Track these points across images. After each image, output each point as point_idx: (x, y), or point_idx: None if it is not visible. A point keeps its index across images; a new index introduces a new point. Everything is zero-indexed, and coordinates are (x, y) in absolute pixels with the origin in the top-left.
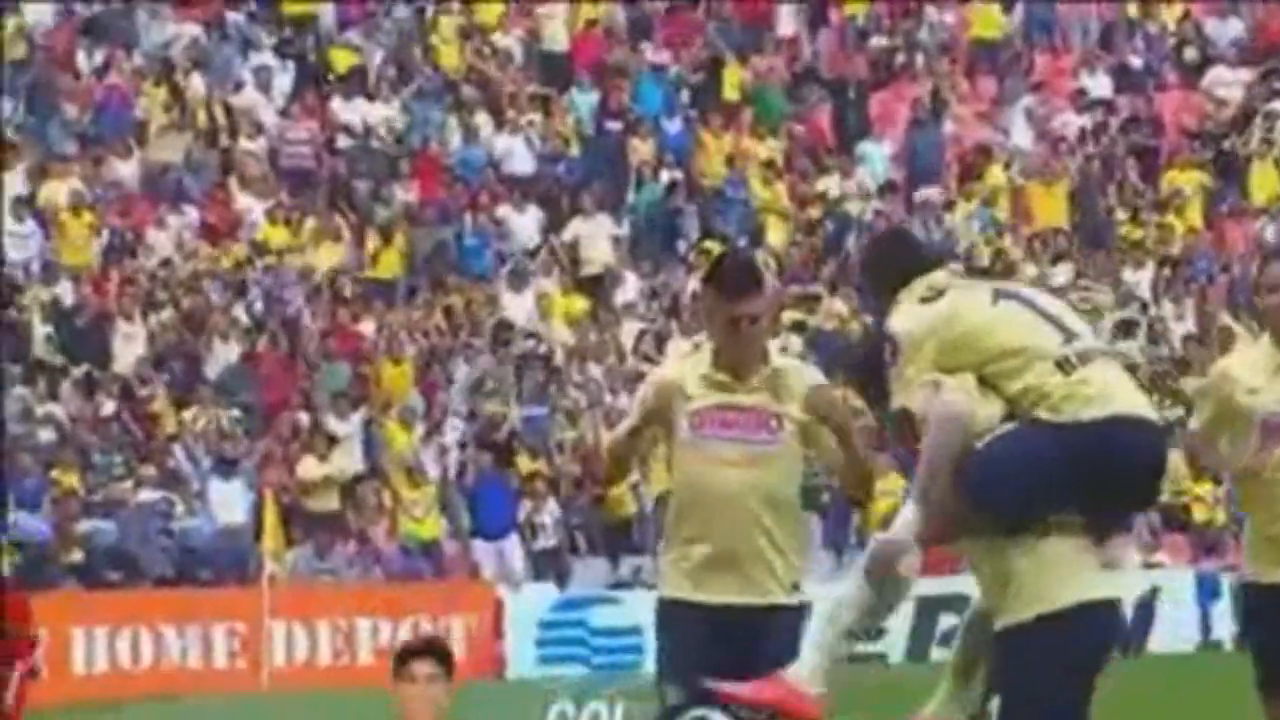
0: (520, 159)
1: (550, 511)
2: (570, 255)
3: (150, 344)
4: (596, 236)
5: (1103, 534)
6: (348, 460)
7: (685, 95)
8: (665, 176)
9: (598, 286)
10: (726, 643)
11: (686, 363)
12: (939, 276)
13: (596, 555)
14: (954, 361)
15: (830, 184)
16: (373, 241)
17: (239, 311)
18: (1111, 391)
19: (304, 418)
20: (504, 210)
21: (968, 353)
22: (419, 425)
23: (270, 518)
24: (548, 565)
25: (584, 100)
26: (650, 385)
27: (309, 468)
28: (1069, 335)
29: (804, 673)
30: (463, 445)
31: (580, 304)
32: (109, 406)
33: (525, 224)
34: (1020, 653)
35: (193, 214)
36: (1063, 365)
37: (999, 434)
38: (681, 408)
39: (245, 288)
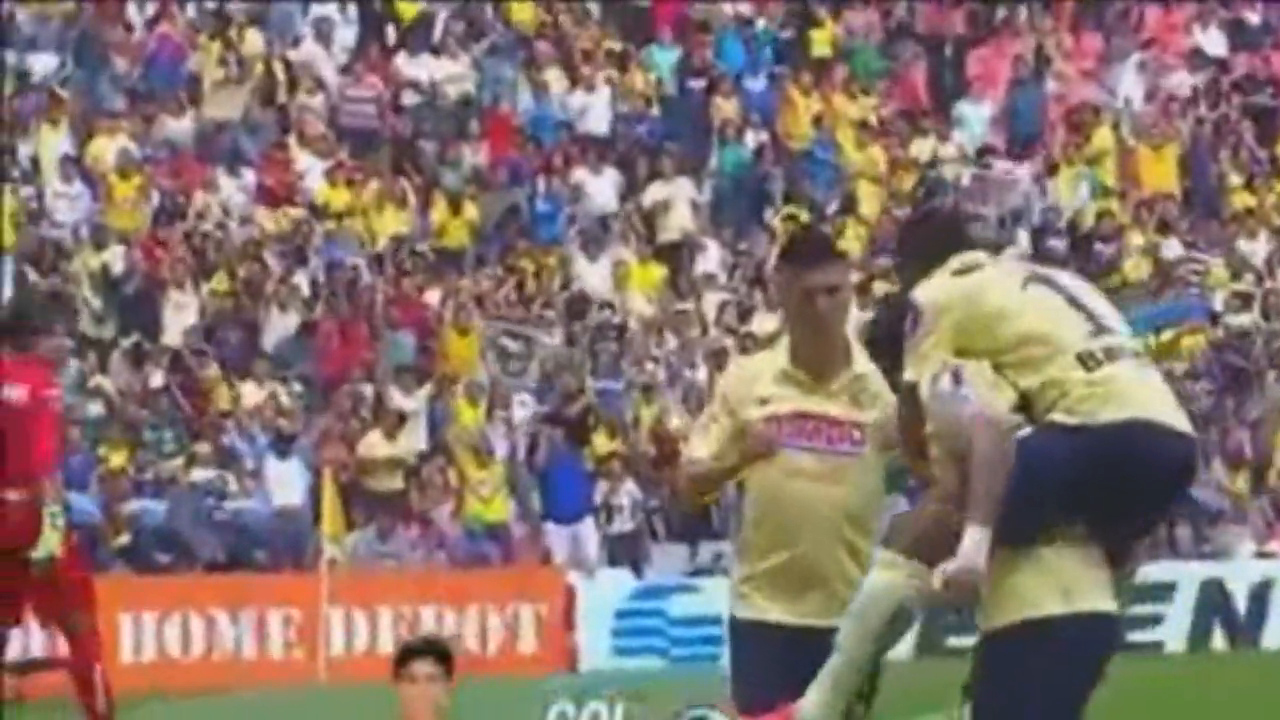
0: (596, 119)
1: (628, 493)
2: (648, 221)
3: (203, 314)
4: (676, 201)
5: (1117, 546)
6: (412, 438)
7: (771, 52)
8: (750, 138)
9: (677, 255)
10: (808, 666)
11: (762, 360)
12: (977, 255)
13: (675, 541)
14: (974, 344)
15: (925, 147)
16: (439, 206)
17: (298, 279)
18: (1134, 392)
19: (366, 392)
20: (579, 174)
21: (988, 336)
22: (485, 401)
23: (329, 499)
24: (623, 551)
25: (664, 57)
26: (720, 404)
27: (371, 445)
28: (1099, 328)
29: (813, 711)
30: (534, 422)
31: (659, 273)
32: (158, 379)
33: (601, 188)
34: (1001, 660)
35: (249, 176)
36: (1085, 360)
37: (1023, 436)
38: (756, 413)
39: (304, 254)
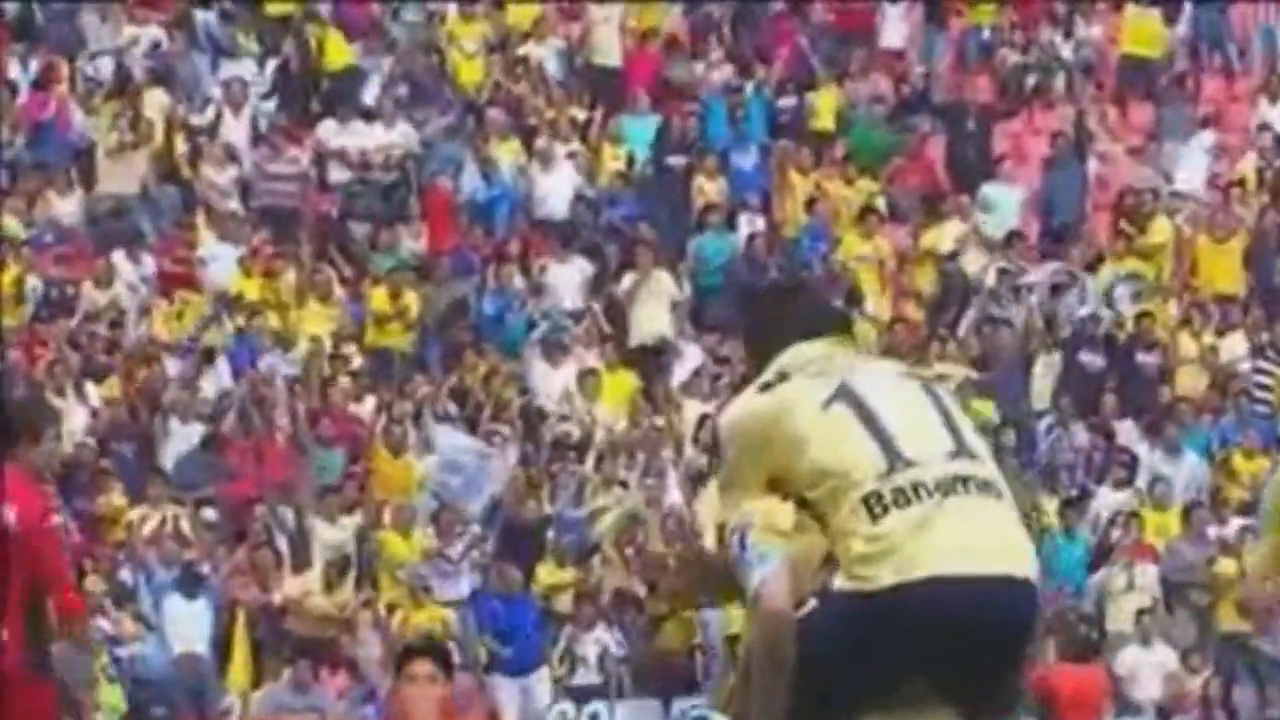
0: (557, 200)
1: (596, 640)
2: (618, 321)
3: (92, 423)
4: (652, 298)
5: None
6: (340, 593)
7: (764, 122)
8: (740, 224)
9: (652, 361)
10: None
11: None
12: (807, 352)
13: (643, 695)
14: (781, 474)
15: (943, 236)
16: (372, 300)
17: (204, 385)
18: (916, 547)
19: (286, 518)
20: (538, 264)
21: (788, 468)
22: (425, 530)
23: (240, 645)
24: (582, 707)
25: (638, 128)
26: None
27: (289, 583)
28: (895, 461)
29: None
30: (482, 555)
31: (630, 382)
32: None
33: (564, 281)
34: None
35: (148, 262)
36: (871, 507)
37: (802, 613)
38: None
39: (211, 355)
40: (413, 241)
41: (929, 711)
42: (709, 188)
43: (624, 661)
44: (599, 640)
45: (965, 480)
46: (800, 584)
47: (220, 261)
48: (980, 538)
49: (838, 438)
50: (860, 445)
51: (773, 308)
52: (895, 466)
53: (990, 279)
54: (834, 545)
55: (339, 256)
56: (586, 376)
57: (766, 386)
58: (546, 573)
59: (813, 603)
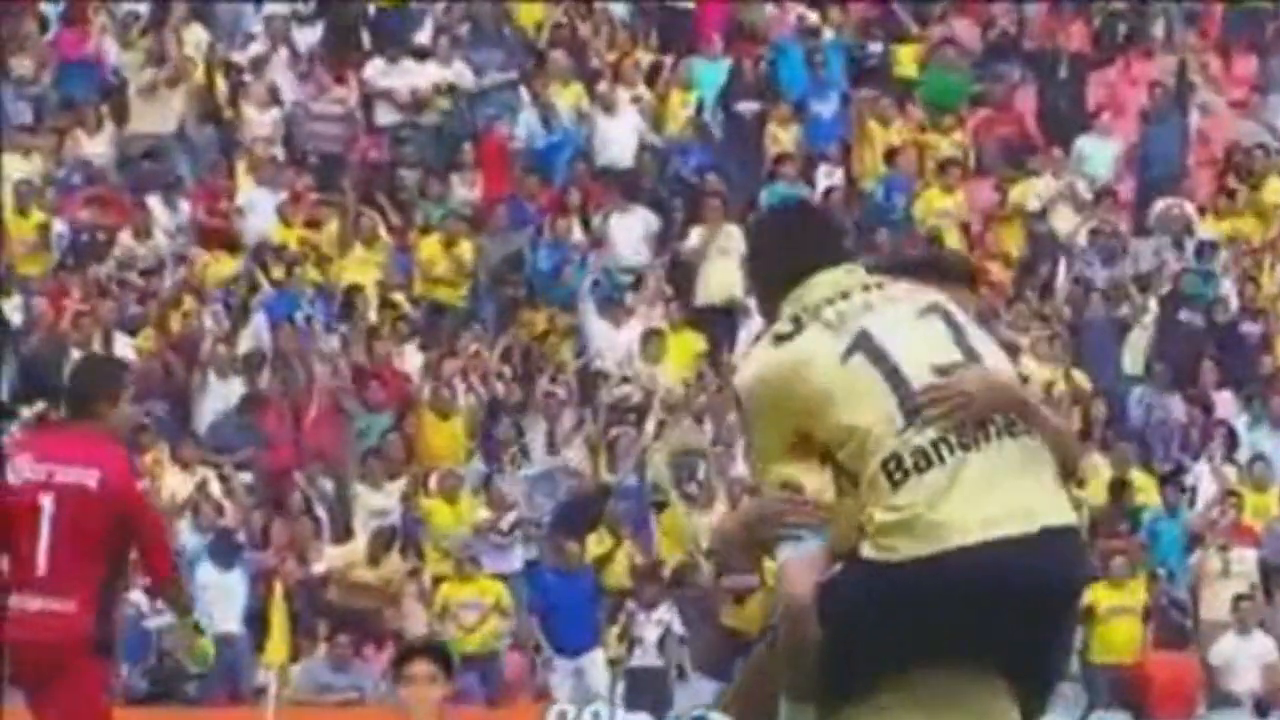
0: (620, 148)
1: (658, 620)
2: (685, 278)
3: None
4: (721, 254)
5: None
6: (387, 564)
7: (843, 67)
8: (817, 176)
9: (720, 320)
10: None
11: None
12: (819, 287)
13: (708, 678)
14: (810, 431)
15: (1032, 192)
16: (421, 252)
17: (242, 340)
18: (954, 514)
19: (326, 485)
20: (599, 216)
21: (818, 424)
22: (474, 499)
23: (278, 619)
24: (644, 690)
25: (708, 72)
26: None
27: (331, 554)
28: (913, 417)
29: None
30: (535, 525)
31: (696, 343)
32: None
33: (626, 235)
34: None
35: (183, 208)
36: (890, 471)
37: (831, 576)
38: None
39: (248, 308)
40: (465, 190)
41: (966, 688)
42: (782, 136)
43: (686, 642)
44: (660, 620)
45: (986, 424)
46: (836, 547)
47: (259, 208)
48: (1015, 489)
49: (859, 393)
50: (880, 401)
51: (778, 234)
52: (913, 422)
53: (1082, 239)
54: (862, 509)
55: (386, 204)
56: (650, 337)
57: (780, 338)
58: (603, 545)
59: (838, 567)
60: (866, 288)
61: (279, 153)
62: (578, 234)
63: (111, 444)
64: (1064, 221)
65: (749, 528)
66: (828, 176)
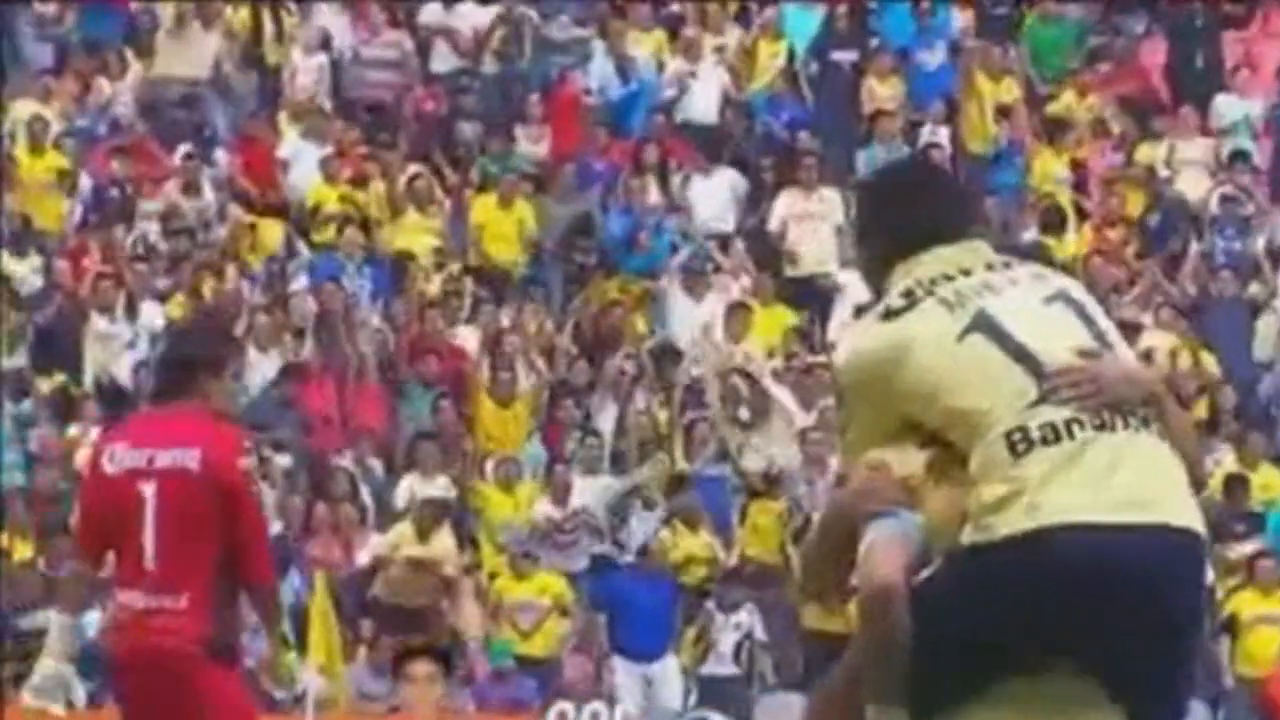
0: (704, 103)
1: (736, 624)
2: (775, 246)
3: (152, 351)
4: (814, 220)
5: (1122, 692)
6: (439, 541)
7: (949, 17)
8: (920, 135)
9: (813, 294)
10: None
11: None
12: (937, 261)
13: (789, 689)
14: (912, 415)
15: (1159, 155)
16: (480, 213)
17: (280, 309)
18: (1058, 490)
19: (375, 468)
20: (679, 177)
21: (921, 408)
22: (534, 486)
23: (320, 617)
24: (719, 701)
25: (802, 19)
26: None
27: (376, 542)
28: (1046, 392)
29: None
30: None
31: (787, 318)
32: (89, 441)
33: (709, 198)
34: None
35: (220, 161)
36: (1014, 443)
37: (924, 576)
38: None
39: (287, 274)
40: (531, 145)
41: (1066, 693)
42: (881, 91)
43: (768, 649)
44: (739, 624)
45: (1127, 414)
46: (932, 546)
47: (303, 163)
48: (1139, 481)
49: (978, 372)
50: (1003, 375)
51: (899, 195)
52: (1046, 397)
53: (1213, 206)
54: (970, 493)
55: (443, 161)
56: (734, 311)
57: (891, 313)
58: (678, 540)
59: (939, 562)
60: (990, 266)
61: (325, 102)
62: (655, 196)
63: (215, 421)
64: (1193, 187)
65: (834, 522)
66: (931, 136)
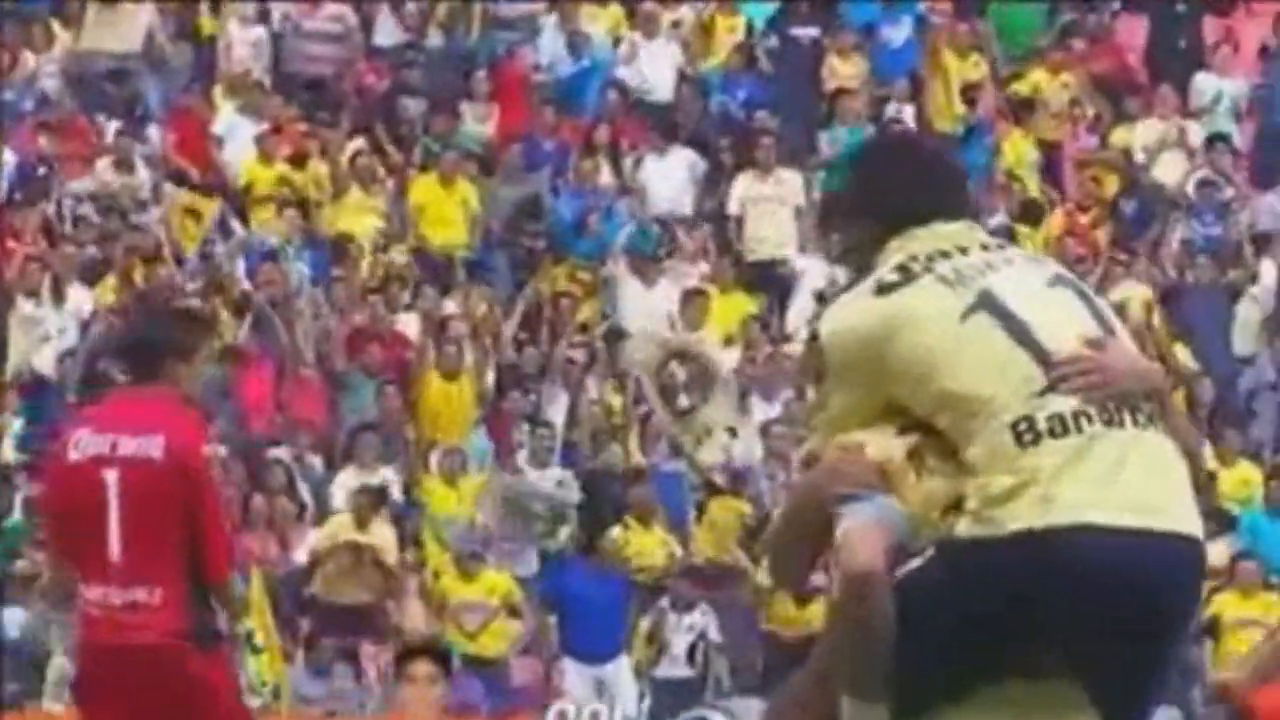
0: (659, 80)
1: (690, 625)
2: (732, 230)
3: (80, 340)
4: (772, 203)
5: (1106, 699)
6: (378, 530)
7: None
8: (885, 114)
9: (773, 280)
10: None
11: None
12: (935, 237)
13: (751, 694)
14: (896, 397)
15: (1135, 138)
16: (420, 194)
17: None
18: (1067, 487)
19: (313, 461)
20: (632, 158)
21: (908, 391)
22: (480, 480)
23: (259, 614)
24: (671, 705)
25: None
26: None
27: (314, 537)
28: (1054, 380)
29: None
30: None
31: (745, 305)
32: (13, 433)
33: (665, 179)
34: None
35: (152, 138)
36: (1020, 433)
37: (910, 568)
38: None
39: (216, 256)
40: (478, 124)
41: (1055, 695)
42: (844, 69)
43: (724, 651)
44: (693, 625)
45: (1134, 409)
46: (913, 534)
47: (238, 140)
48: (1147, 483)
49: (980, 355)
50: (1009, 361)
51: (898, 174)
52: (1053, 386)
53: (1190, 191)
54: (964, 483)
55: (386, 139)
56: (690, 298)
57: (885, 287)
58: (632, 538)
59: (929, 552)
60: (986, 247)
61: (263, 77)
62: (606, 177)
63: (181, 407)
64: (1170, 171)
65: (802, 503)
66: (896, 114)
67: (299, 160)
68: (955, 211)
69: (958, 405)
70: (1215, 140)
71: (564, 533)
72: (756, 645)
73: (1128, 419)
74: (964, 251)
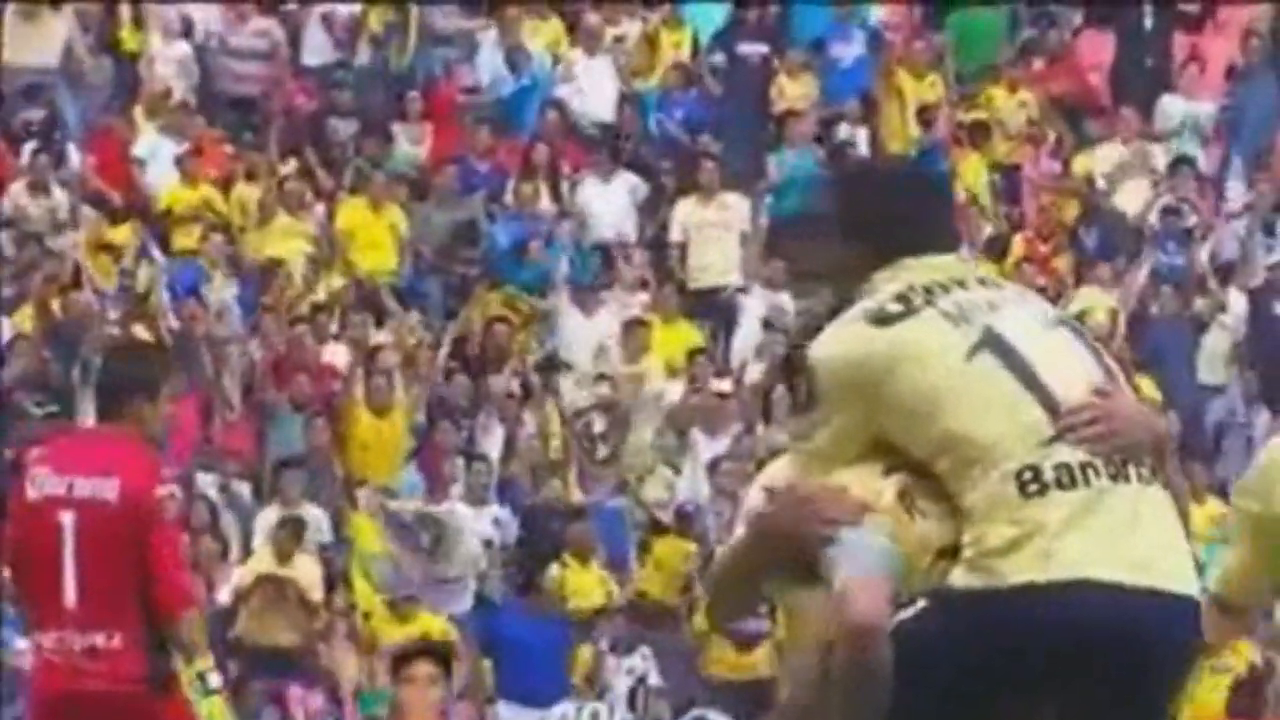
0: (600, 99)
1: (630, 669)
2: (676, 258)
3: None
4: (719, 228)
5: None
6: (301, 564)
7: (867, 6)
8: (837, 136)
9: (716, 309)
10: None
11: None
12: (937, 268)
13: None
14: (890, 435)
15: (1097, 162)
16: (353, 217)
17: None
18: (1072, 541)
19: (242, 496)
20: (571, 181)
21: (906, 430)
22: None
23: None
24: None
25: (708, 8)
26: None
27: (235, 576)
28: (1062, 430)
29: None
30: (487, 546)
31: (690, 336)
32: None
33: (606, 204)
34: None
35: (71, 159)
36: (1024, 483)
37: (903, 617)
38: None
39: (142, 283)
40: (411, 146)
41: None
42: (793, 89)
43: (665, 695)
44: (633, 669)
45: (1139, 463)
46: (903, 583)
47: (160, 162)
48: (1150, 541)
49: (986, 397)
50: (1016, 405)
51: (904, 198)
52: (1061, 437)
53: (1153, 219)
54: (962, 531)
55: (316, 162)
56: (632, 328)
57: (885, 318)
58: (569, 574)
59: (920, 604)
60: (983, 282)
61: (187, 95)
62: (545, 202)
63: (138, 448)
64: (1132, 199)
65: (765, 537)
66: (848, 138)
67: (224, 183)
68: (948, 244)
69: (959, 448)
70: (1180, 164)
71: (459, 556)
72: (697, 689)
73: (1132, 473)
74: (963, 286)
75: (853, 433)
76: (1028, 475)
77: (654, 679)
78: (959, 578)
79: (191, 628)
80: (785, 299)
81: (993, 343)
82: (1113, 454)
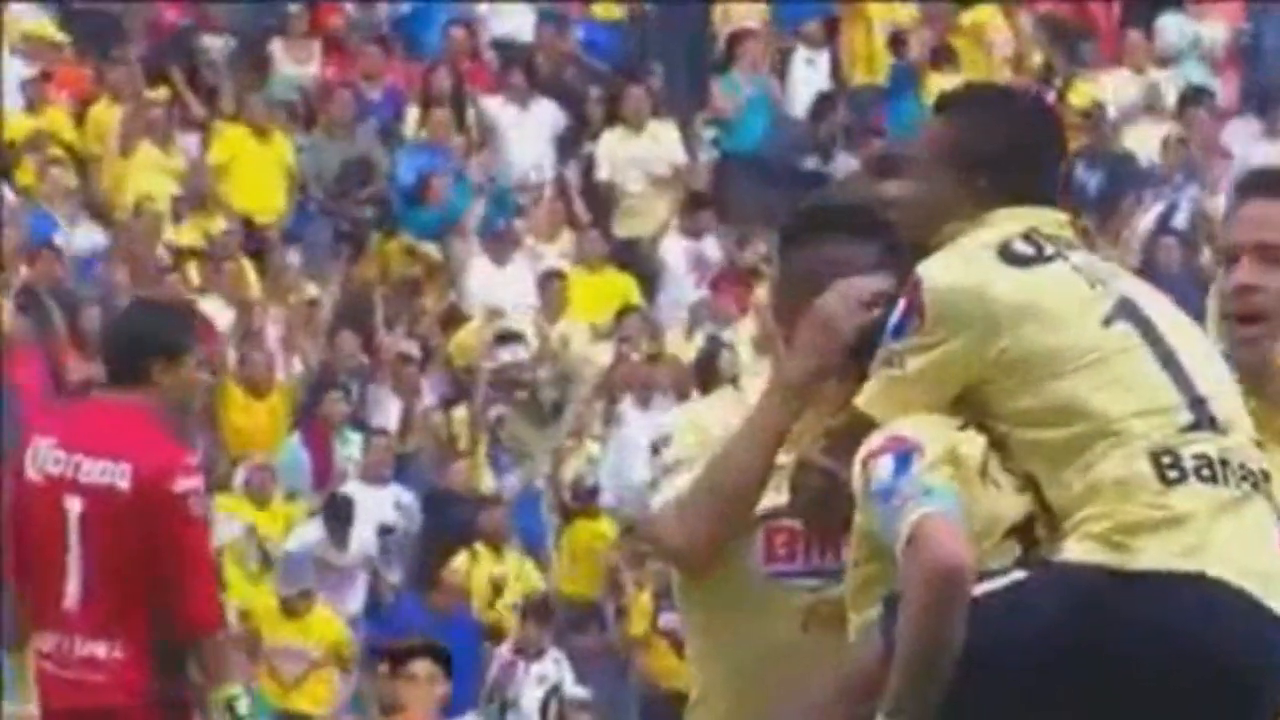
0: (517, 19)
1: (539, 674)
2: (602, 199)
3: None
4: (651, 165)
5: None
6: None
7: None
8: (792, 64)
9: (647, 258)
10: None
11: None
12: (1053, 222)
13: None
14: (993, 390)
15: (1098, 92)
16: (224, 150)
17: None
18: (1214, 534)
19: None
20: (486, 109)
21: (1021, 388)
22: (299, 502)
23: (20, 669)
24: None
25: None
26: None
27: None
28: (1202, 418)
29: None
30: (384, 532)
31: (619, 286)
32: None
33: (523, 136)
34: None
35: None
36: (1162, 465)
37: (994, 588)
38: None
39: None
40: (296, 67)
41: None
42: (740, 7)
43: (586, 708)
44: (545, 677)
45: (1265, 477)
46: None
47: (9, 85)
48: (1273, 559)
49: (1124, 370)
50: (1156, 383)
51: (1042, 132)
52: (1202, 424)
53: (1158, 156)
54: (1076, 506)
55: (185, 86)
56: (550, 280)
57: (1019, 258)
58: (477, 570)
59: (1016, 575)
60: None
61: (38, 11)
62: (451, 133)
63: (157, 426)
64: (1138, 134)
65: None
66: (807, 65)
67: (79, 110)
68: (1055, 197)
69: (1085, 419)
70: (1191, 98)
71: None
72: (629, 703)
73: (1261, 484)
74: (1072, 247)
75: (952, 371)
76: (1167, 459)
77: (571, 689)
78: (1080, 551)
79: (218, 649)
80: (714, 252)
81: (1130, 313)
82: (1247, 460)
